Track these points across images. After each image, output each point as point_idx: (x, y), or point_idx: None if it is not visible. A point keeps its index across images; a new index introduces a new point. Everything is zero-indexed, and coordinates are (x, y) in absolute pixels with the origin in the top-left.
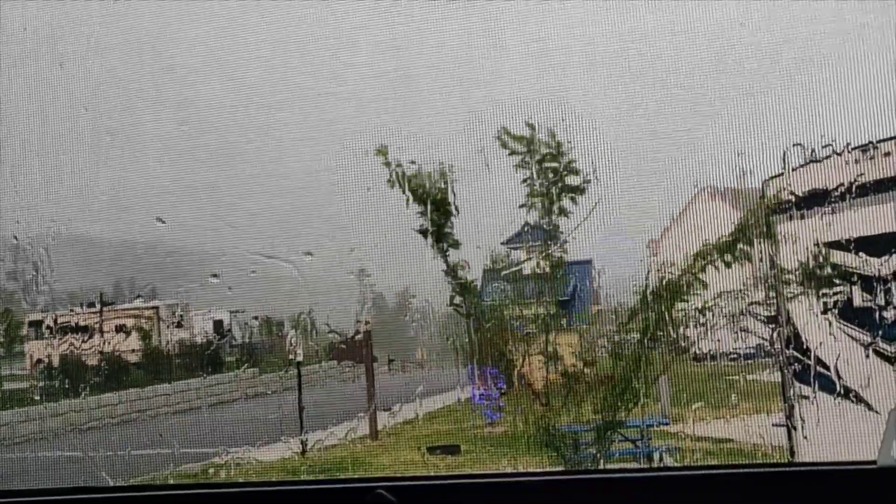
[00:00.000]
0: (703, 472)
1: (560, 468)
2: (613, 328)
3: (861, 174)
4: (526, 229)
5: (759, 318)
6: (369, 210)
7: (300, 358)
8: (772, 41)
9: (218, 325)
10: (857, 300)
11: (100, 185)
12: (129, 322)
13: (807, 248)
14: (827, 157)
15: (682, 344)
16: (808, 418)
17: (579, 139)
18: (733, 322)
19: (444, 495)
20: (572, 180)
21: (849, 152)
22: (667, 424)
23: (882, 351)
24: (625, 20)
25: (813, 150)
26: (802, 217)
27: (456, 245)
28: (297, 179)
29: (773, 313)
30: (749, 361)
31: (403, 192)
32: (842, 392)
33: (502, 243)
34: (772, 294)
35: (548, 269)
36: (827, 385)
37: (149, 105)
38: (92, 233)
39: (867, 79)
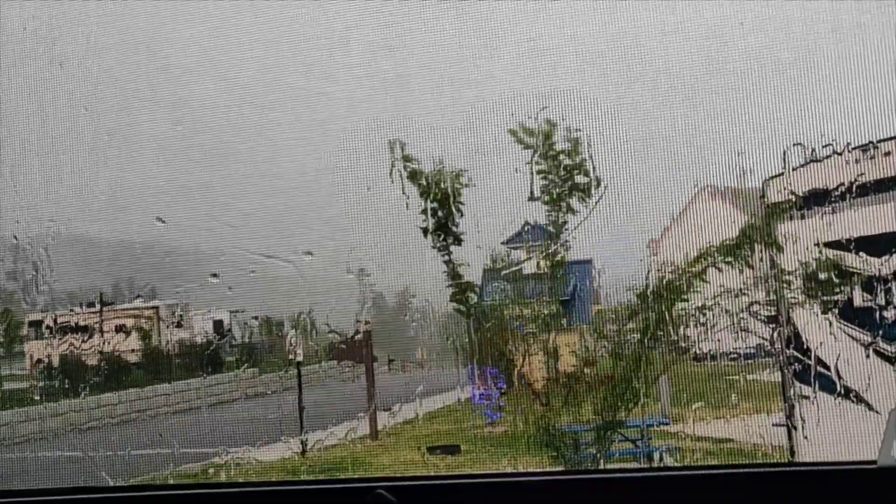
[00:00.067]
0: (703, 472)
1: (560, 468)
2: (613, 328)
3: (861, 174)
4: (526, 229)
5: (759, 317)
6: (369, 210)
7: (300, 358)
8: (772, 40)
9: (218, 325)
10: (858, 300)
11: (99, 185)
12: (129, 322)
13: (807, 248)
14: (827, 157)
15: (683, 345)
16: (808, 418)
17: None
18: (733, 322)
19: (444, 495)
20: (581, 179)
21: (849, 152)
22: (667, 424)
23: (882, 351)
24: (621, 19)
25: (813, 150)
26: (802, 217)
27: (459, 241)
28: (295, 179)
29: (773, 313)
30: (749, 361)
31: (415, 186)
32: (842, 392)
33: (502, 243)
34: (772, 294)
35: (547, 270)
36: (827, 385)
37: (145, 105)
38: (91, 233)
39: (867, 78)
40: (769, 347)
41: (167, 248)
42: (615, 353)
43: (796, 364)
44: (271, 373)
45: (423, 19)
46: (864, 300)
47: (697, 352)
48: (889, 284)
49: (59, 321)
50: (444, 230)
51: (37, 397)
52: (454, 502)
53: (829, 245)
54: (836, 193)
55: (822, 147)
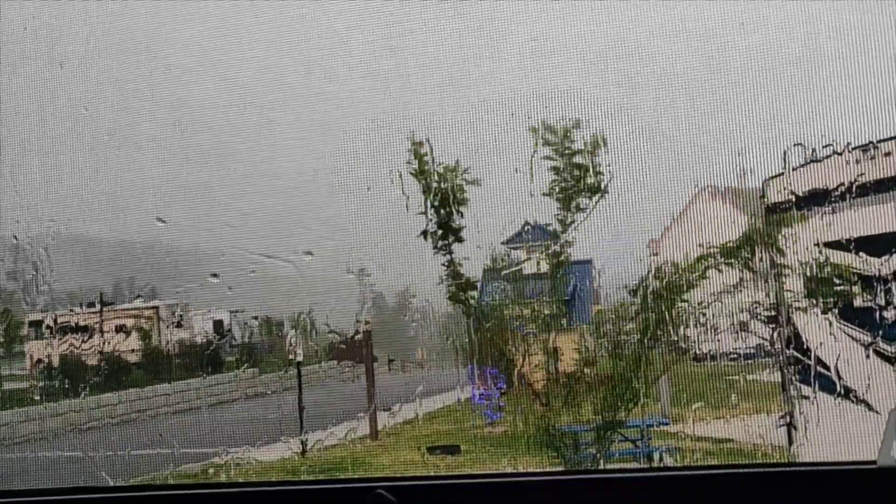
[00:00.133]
0: (703, 472)
1: (560, 468)
2: (613, 328)
3: (861, 174)
4: (526, 229)
5: (759, 317)
6: (369, 210)
7: (300, 358)
8: (772, 40)
9: (218, 325)
10: (858, 300)
11: (99, 185)
12: (129, 322)
13: (807, 248)
14: (827, 157)
15: (683, 345)
16: (808, 418)
17: (577, 138)
18: (733, 322)
19: (444, 495)
20: (591, 179)
21: (849, 152)
22: (667, 424)
23: (882, 351)
24: (622, 18)
25: (813, 150)
26: (803, 217)
27: (460, 239)
28: (295, 179)
29: (773, 313)
30: (749, 361)
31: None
32: (842, 392)
33: (502, 243)
34: (772, 294)
35: (547, 269)
36: (827, 385)
37: (145, 105)
38: (91, 233)
39: (868, 78)
40: (769, 347)
41: (167, 248)
42: (615, 354)
43: (796, 364)
44: (271, 373)
45: (423, 19)
46: (863, 300)
47: (697, 352)
48: (889, 284)
49: (59, 321)
50: (445, 229)
51: (37, 397)
52: (454, 502)
53: (829, 245)
54: (836, 193)
55: (823, 147)
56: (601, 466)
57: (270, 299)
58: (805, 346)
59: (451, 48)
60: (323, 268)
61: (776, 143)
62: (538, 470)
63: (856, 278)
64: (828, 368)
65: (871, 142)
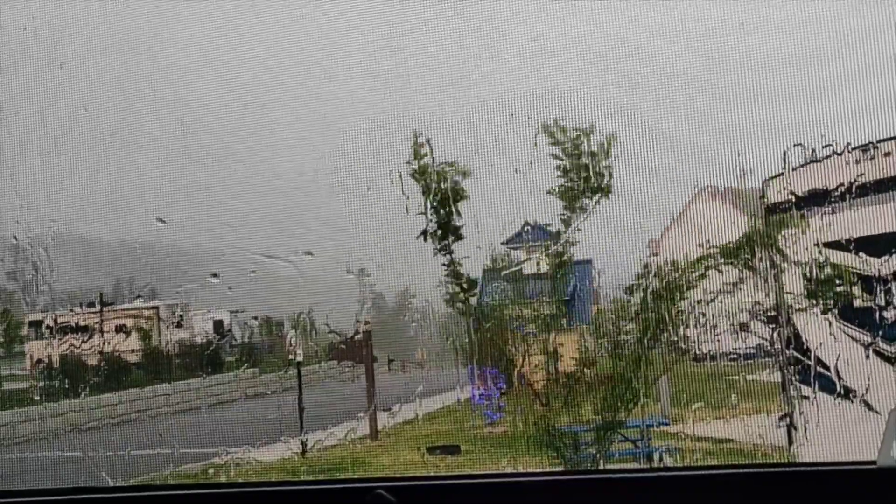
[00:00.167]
0: (703, 472)
1: (560, 468)
2: (613, 328)
3: (861, 174)
4: (526, 229)
5: (759, 317)
6: (369, 210)
7: (300, 358)
8: (771, 40)
9: (218, 325)
10: (857, 300)
11: (99, 185)
12: (129, 322)
13: (807, 249)
14: (827, 157)
15: (683, 346)
16: (808, 418)
17: (591, 141)
18: (733, 322)
19: (443, 495)
20: (602, 180)
21: (849, 152)
22: (667, 424)
23: (882, 351)
24: (622, 18)
25: (813, 150)
26: (802, 217)
27: (459, 237)
28: (295, 179)
29: (773, 313)
30: (749, 361)
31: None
32: (842, 392)
33: (502, 243)
34: (772, 294)
35: (547, 269)
36: (827, 385)
37: (145, 105)
38: (92, 233)
39: (868, 79)
40: (769, 348)
41: (167, 248)
42: (615, 354)
43: (796, 364)
44: (271, 373)
45: (423, 19)
46: (863, 300)
47: (697, 352)
48: (889, 284)
49: (59, 321)
50: (444, 229)
51: (37, 397)
52: (454, 502)
53: (829, 245)
54: (836, 194)
55: (822, 147)
56: (601, 467)
57: (270, 299)
58: (805, 347)
59: (451, 48)
60: (323, 268)
61: (776, 144)
62: (538, 470)
63: (856, 278)
64: (828, 369)
65: (870, 142)
